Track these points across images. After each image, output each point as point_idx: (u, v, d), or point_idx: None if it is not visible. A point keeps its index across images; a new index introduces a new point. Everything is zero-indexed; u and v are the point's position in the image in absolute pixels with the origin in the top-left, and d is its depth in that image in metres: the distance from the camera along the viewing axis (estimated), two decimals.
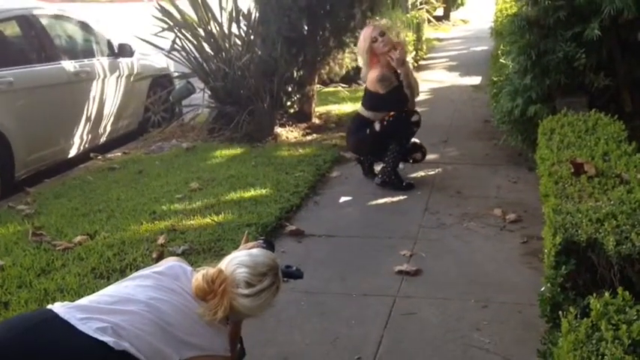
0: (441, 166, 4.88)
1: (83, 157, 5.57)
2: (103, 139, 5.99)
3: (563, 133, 2.91)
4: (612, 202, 1.99)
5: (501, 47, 5.13)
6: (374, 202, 4.23)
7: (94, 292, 2.68)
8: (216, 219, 3.63)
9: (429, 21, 15.77)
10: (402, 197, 4.29)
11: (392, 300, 2.86)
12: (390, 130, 4.35)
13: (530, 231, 3.62)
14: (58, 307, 1.63)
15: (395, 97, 4.37)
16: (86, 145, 5.69)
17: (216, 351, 1.76)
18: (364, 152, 4.59)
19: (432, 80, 9.21)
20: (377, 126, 4.37)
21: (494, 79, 5.09)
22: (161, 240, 3.27)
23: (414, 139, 4.58)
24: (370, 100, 4.50)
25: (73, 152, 5.52)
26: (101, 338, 1.55)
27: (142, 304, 1.67)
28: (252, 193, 4.14)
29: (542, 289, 1.97)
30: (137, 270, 2.91)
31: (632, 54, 3.92)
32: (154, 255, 3.05)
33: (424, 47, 11.73)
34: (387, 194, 4.34)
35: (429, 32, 14.17)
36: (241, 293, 1.80)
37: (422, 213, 3.99)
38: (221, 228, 3.50)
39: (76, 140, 5.53)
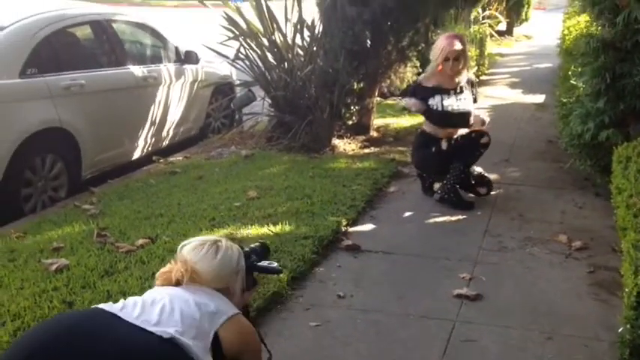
0: (502, 187, 4.76)
1: (146, 159, 5.72)
2: (165, 143, 6.13)
3: None
4: None
5: (572, 68, 4.97)
6: (432, 220, 4.15)
7: None
8: (273, 229, 3.64)
9: (492, 36, 15.51)
10: (461, 217, 4.19)
11: (451, 324, 2.78)
12: (457, 150, 4.26)
13: (598, 260, 3.47)
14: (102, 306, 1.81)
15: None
16: (149, 148, 5.84)
17: (234, 310, 1.90)
18: (429, 170, 4.50)
19: (493, 97, 9.02)
20: (444, 145, 4.28)
21: (564, 100, 4.93)
22: None
23: (481, 170, 4.48)
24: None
25: (136, 155, 5.67)
26: (150, 329, 1.70)
27: (167, 296, 1.84)
28: (309, 204, 4.13)
29: (621, 329, 1.87)
30: None
31: None
32: None
33: (486, 62, 11.53)
34: (446, 212, 4.25)
35: (491, 47, 13.94)
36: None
37: (482, 235, 3.88)
38: (278, 239, 3.51)
39: (140, 143, 5.67)
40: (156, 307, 1.77)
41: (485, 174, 4.50)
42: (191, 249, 1.97)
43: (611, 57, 3.79)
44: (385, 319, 2.83)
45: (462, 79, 4.40)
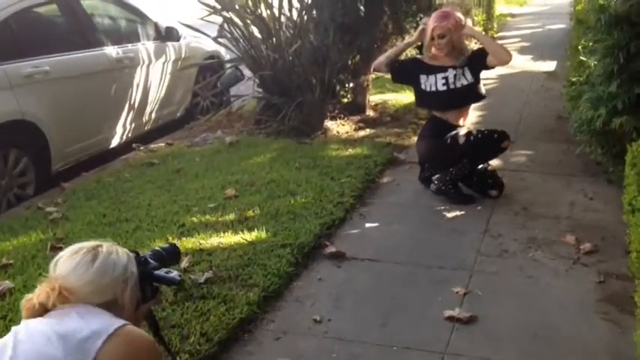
0: (506, 174, 4.35)
1: (127, 146, 5.37)
2: (147, 128, 5.77)
3: None
4: None
5: (582, 41, 4.49)
6: (427, 218, 3.78)
7: None
8: (248, 237, 3.29)
9: None
10: (459, 213, 3.82)
11: (439, 358, 2.44)
12: (473, 148, 3.85)
13: (609, 266, 3.10)
14: None
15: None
16: (129, 135, 5.48)
17: (118, 323, 1.56)
18: (434, 161, 4.08)
19: None
20: (461, 139, 3.86)
21: (573, 79, 4.47)
22: (184, 263, 2.96)
23: (493, 169, 4.09)
24: None
25: (115, 142, 5.32)
26: None
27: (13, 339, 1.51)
28: (291, 203, 3.77)
29: None
30: None
31: None
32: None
33: (495, 25, 10.94)
34: (443, 208, 3.87)
35: (501, 6, 13.28)
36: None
37: (481, 235, 3.51)
38: (252, 249, 3.16)
39: (118, 130, 5.32)
40: None
41: (497, 174, 4.09)
42: (63, 261, 1.63)
43: (626, 33, 3.33)
44: (365, 351, 2.49)
45: (466, 56, 3.97)
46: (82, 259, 1.61)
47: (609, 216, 3.64)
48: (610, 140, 3.61)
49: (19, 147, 4.29)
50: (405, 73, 4.12)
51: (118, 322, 1.55)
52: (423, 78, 3.98)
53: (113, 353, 1.49)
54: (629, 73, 3.36)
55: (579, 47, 4.55)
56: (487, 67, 3.93)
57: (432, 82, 3.95)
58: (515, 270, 3.12)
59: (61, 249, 3.13)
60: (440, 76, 3.93)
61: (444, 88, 3.92)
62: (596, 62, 3.65)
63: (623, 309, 2.72)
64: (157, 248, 1.97)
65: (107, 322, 1.54)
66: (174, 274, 1.85)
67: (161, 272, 1.84)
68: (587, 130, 3.79)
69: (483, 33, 4.09)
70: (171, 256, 1.97)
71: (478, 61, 3.93)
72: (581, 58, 4.31)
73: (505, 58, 3.88)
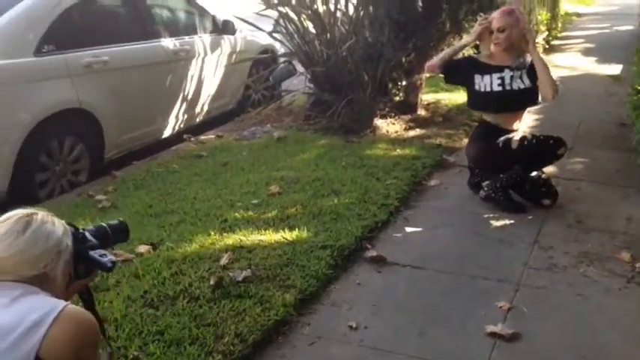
0: (560, 183, 4.18)
1: (178, 137, 5.45)
2: (199, 119, 5.84)
3: None
4: None
5: None
6: (474, 225, 3.66)
7: (136, 325, 2.47)
8: (288, 236, 3.27)
9: None
10: (508, 222, 3.68)
11: None
12: (527, 154, 3.70)
13: None
14: None
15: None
16: (181, 126, 5.56)
17: (58, 305, 1.42)
18: (486, 166, 3.95)
19: (562, 66, 8.22)
20: (514, 144, 3.72)
21: (638, 87, 4.23)
22: (224, 260, 2.97)
23: (547, 177, 3.93)
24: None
25: (167, 133, 5.41)
26: None
27: None
28: (335, 203, 3.73)
29: None
30: (190, 299, 2.67)
31: None
32: (212, 281, 2.75)
33: (559, 25, 10.56)
34: (492, 216, 3.75)
35: (567, 5, 12.81)
36: None
37: (530, 246, 3.38)
38: (292, 249, 3.13)
39: (171, 121, 5.40)
40: None
41: (551, 181, 3.93)
42: None
43: None
44: None
45: (524, 57, 3.82)
46: (13, 227, 1.48)
47: None
48: None
49: (74, 134, 4.40)
50: (458, 72, 3.98)
51: (58, 304, 1.42)
52: (477, 78, 3.85)
53: (62, 337, 1.39)
54: None
55: None
56: None
57: (486, 82, 3.82)
58: (564, 286, 2.98)
59: None
60: (496, 76, 3.80)
61: (499, 88, 3.78)
62: None
63: None
64: (102, 224, 1.75)
65: (45, 307, 1.41)
66: (108, 259, 1.63)
67: (96, 254, 1.63)
68: None
69: (543, 59, 3.90)
70: (117, 234, 1.75)
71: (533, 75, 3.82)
72: None
73: (547, 94, 3.73)
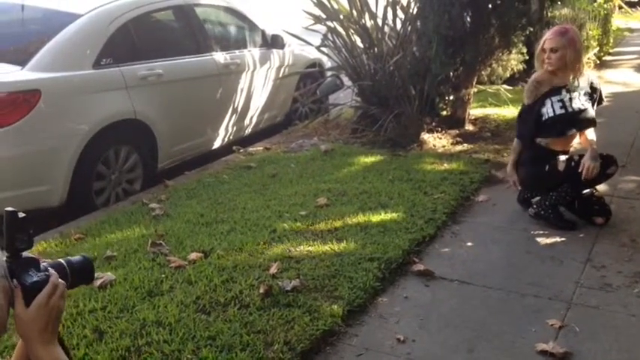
0: (614, 201, 4.09)
1: (227, 148, 5.56)
2: (248, 131, 5.95)
3: None
4: None
5: None
6: (524, 242, 3.62)
7: (189, 330, 2.53)
8: (336, 248, 3.30)
9: (621, 7, 13.96)
10: (559, 239, 3.62)
11: None
12: (575, 174, 3.62)
13: None
14: None
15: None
16: (231, 137, 5.68)
17: None
18: (535, 189, 3.91)
19: (615, 82, 8.04)
20: (561, 165, 3.67)
21: None
22: (273, 269, 3.02)
23: (600, 195, 3.86)
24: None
25: (217, 144, 5.53)
26: None
27: None
28: (382, 216, 3.74)
29: None
30: (240, 306, 2.72)
31: None
32: (261, 289, 2.80)
33: (610, 40, 10.35)
34: (542, 233, 3.70)
35: (618, 20, 12.54)
36: None
37: (582, 265, 3.31)
38: (340, 260, 3.16)
39: (221, 132, 5.52)
40: None
41: (604, 199, 3.85)
42: None
43: None
44: None
45: (579, 78, 3.76)
46: None
47: None
48: None
49: (129, 144, 4.55)
50: (529, 122, 3.80)
51: None
52: (543, 108, 3.74)
53: None
54: None
55: None
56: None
57: (547, 108, 3.71)
58: (618, 306, 2.92)
59: (160, 245, 3.33)
60: (555, 98, 3.72)
61: (562, 111, 3.69)
62: None
63: None
64: (60, 261, 1.32)
65: None
66: (36, 277, 1.21)
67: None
68: None
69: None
70: (79, 274, 1.33)
71: (594, 96, 3.79)
72: None
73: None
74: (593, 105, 3.80)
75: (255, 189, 4.32)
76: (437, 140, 5.46)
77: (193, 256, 3.18)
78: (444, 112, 5.94)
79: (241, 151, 5.45)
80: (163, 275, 2.99)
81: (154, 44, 4.90)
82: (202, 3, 5.51)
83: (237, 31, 5.89)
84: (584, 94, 3.75)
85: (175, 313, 2.63)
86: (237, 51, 5.66)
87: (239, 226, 3.60)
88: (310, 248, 3.30)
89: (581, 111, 3.74)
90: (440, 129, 5.63)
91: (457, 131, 5.66)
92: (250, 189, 4.33)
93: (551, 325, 2.74)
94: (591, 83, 3.81)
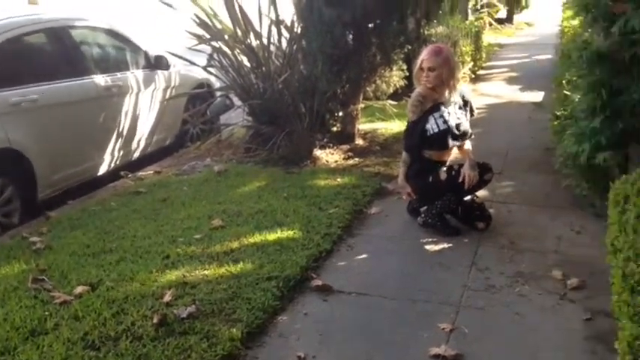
0: (493, 206, 4.36)
1: (115, 174, 5.34)
2: (136, 155, 5.76)
3: None
4: None
5: (566, 75, 4.54)
6: (415, 251, 3.76)
7: None
8: (233, 270, 3.26)
9: (491, 24, 15.03)
10: (446, 245, 3.80)
11: None
12: (456, 182, 3.85)
13: (596, 303, 3.08)
14: None
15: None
16: (117, 162, 5.46)
17: None
18: (424, 199, 4.06)
19: (489, 94, 8.62)
20: (442, 175, 3.89)
21: (558, 113, 4.51)
22: (167, 297, 2.92)
23: (480, 201, 4.09)
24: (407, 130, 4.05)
25: (102, 170, 5.30)
26: None
27: None
28: (278, 234, 3.75)
29: None
30: (133, 339, 2.60)
31: None
32: (155, 319, 2.70)
33: (483, 55, 11.09)
34: (431, 240, 3.86)
35: (490, 37, 13.48)
36: None
37: (468, 269, 3.50)
38: (237, 282, 3.13)
39: (107, 157, 5.30)
40: None
41: (484, 205, 4.09)
42: None
43: (607, 70, 3.37)
44: None
45: (452, 94, 4.00)
46: None
47: (597, 251, 3.62)
48: (595, 175, 3.63)
49: (4, 175, 4.25)
50: (416, 133, 3.97)
51: None
52: (427, 124, 3.92)
53: None
54: (612, 109, 3.39)
55: (563, 81, 4.60)
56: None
57: (432, 124, 3.90)
58: (502, 306, 3.10)
59: (43, 281, 3.12)
60: (437, 114, 3.91)
61: (445, 126, 3.89)
62: (579, 97, 3.69)
63: (611, 348, 2.69)
64: None
65: None
66: None
67: None
68: (572, 165, 3.81)
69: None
70: None
71: (467, 110, 4.04)
72: (565, 92, 4.36)
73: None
74: (466, 116, 4.05)
75: (146, 215, 4.18)
76: (329, 156, 5.57)
77: (80, 289, 3.01)
78: (335, 128, 6.07)
79: (130, 176, 5.26)
80: (47, 312, 2.80)
81: (26, 69, 4.63)
82: (78, 25, 5.29)
83: (118, 52, 5.71)
84: (459, 108, 4.00)
85: (62, 351, 2.47)
86: (118, 73, 5.47)
87: (129, 255, 3.46)
88: (206, 272, 3.24)
89: (459, 124, 3.97)
90: (331, 145, 5.75)
91: (348, 146, 5.80)
92: (140, 215, 4.18)
93: (443, 328, 2.87)
94: (463, 96, 4.06)
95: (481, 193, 4.22)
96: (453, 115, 3.96)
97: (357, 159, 5.55)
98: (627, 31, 3.20)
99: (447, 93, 3.97)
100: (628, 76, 3.32)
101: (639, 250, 1.98)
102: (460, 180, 3.83)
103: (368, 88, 6.05)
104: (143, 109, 5.67)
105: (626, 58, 3.31)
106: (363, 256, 3.69)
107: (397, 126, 6.39)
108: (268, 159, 5.41)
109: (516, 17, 17.93)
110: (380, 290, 3.26)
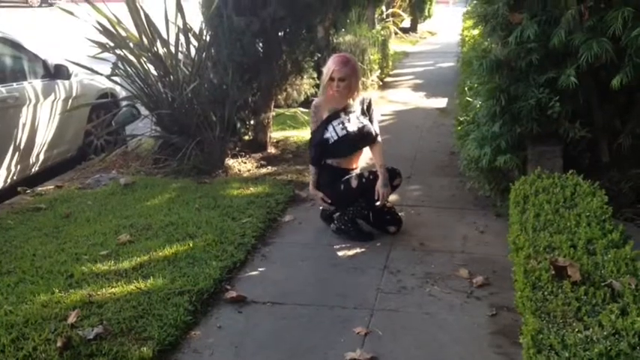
0: (403, 209, 4.48)
1: (11, 190, 5.02)
2: (35, 169, 5.44)
3: (539, 204, 2.53)
4: (606, 333, 1.60)
5: (468, 82, 4.76)
6: (329, 256, 3.80)
7: None
8: (142, 286, 3.14)
9: (396, 33, 15.52)
10: (359, 250, 3.87)
11: None
12: (367, 189, 3.92)
13: (500, 299, 3.24)
14: None
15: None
16: (14, 178, 5.14)
17: None
18: (338, 207, 4.09)
19: (396, 101, 8.87)
20: (354, 183, 3.95)
21: (461, 118, 4.72)
22: (72, 318, 2.77)
23: (391, 205, 4.18)
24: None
25: None
26: None
27: None
28: (190, 246, 3.66)
29: None
30: None
31: (611, 101, 3.58)
32: (59, 343, 2.55)
33: (390, 64, 11.41)
34: (344, 246, 3.92)
35: (395, 45, 13.90)
36: None
37: (381, 272, 3.57)
38: (147, 299, 3.02)
39: (2, 173, 4.97)
40: None
41: (395, 210, 4.19)
42: None
43: (506, 77, 3.57)
44: None
45: (355, 102, 4.07)
46: None
47: (499, 249, 3.81)
48: (496, 177, 3.82)
49: None
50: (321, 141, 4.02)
51: None
52: (326, 133, 3.99)
53: None
54: (510, 114, 3.59)
55: (465, 88, 4.82)
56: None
57: (331, 131, 3.97)
58: (413, 307, 3.19)
59: None
60: (336, 122, 3.98)
61: (344, 132, 3.97)
62: (481, 103, 3.87)
63: (515, 342, 2.83)
64: None
65: None
66: None
67: None
68: (475, 168, 3.99)
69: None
70: None
71: (369, 113, 4.09)
72: (468, 98, 4.57)
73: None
74: (371, 120, 4.12)
75: (47, 232, 3.95)
76: (242, 165, 5.52)
77: None
78: (247, 137, 6.03)
79: (28, 191, 4.96)
80: None
81: None
82: None
83: (14, 62, 5.38)
84: (361, 113, 4.07)
85: None
86: (14, 83, 5.16)
87: (29, 276, 3.26)
88: (114, 290, 3.10)
89: (361, 129, 4.03)
90: (244, 153, 5.71)
91: (260, 155, 5.78)
92: (41, 233, 3.95)
93: (358, 332, 2.91)
94: (362, 100, 4.14)
95: (391, 197, 4.32)
96: (355, 121, 4.03)
97: (269, 167, 5.53)
98: (523, 41, 3.40)
99: (350, 100, 4.04)
100: (525, 82, 3.53)
101: (539, 248, 2.09)
102: (375, 197, 3.91)
103: (279, 96, 6.05)
104: (42, 120, 5.38)
105: (522, 65, 3.51)
106: (278, 264, 3.68)
107: (309, 133, 6.38)
108: (179, 170, 5.28)
109: (420, 26, 18.59)
110: (295, 298, 3.26)
